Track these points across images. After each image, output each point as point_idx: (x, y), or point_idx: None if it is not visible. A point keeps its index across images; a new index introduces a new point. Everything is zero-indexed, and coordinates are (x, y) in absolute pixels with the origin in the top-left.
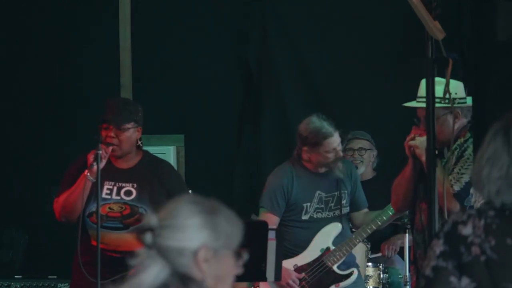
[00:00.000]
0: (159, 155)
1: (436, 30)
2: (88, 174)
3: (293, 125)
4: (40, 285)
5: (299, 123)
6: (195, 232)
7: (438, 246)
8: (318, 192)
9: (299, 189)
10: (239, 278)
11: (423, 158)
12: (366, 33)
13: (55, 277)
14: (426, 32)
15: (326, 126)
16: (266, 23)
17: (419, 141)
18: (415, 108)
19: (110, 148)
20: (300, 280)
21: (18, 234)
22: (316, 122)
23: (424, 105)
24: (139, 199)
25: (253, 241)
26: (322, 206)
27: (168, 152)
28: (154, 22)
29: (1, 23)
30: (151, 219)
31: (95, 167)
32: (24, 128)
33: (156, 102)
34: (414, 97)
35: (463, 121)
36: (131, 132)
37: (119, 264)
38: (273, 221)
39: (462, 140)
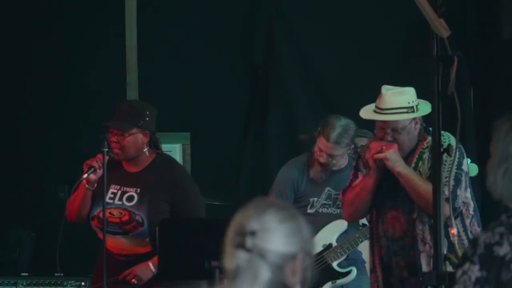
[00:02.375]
0: None
1: (441, 28)
2: (85, 183)
3: (299, 123)
4: (47, 282)
5: (305, 122)
6: (295, 237)
7: (474, 272)
8: (327, 188)
9: (309, 183)
10: None
11: (397, 169)
12: (371, 33)
13: (62, 274)
14: (431, 30)
15: (338, 132)
16: (272, 22)
17: (389, 154)
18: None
19: (107, 157)
20: None
21: (25, 233)
22: (340, 122)
23: (389, 118)
24: (138, 205)
25: None
26: (330, 202)
27: (174, 150)
28: (160, 20)
29: (8, 22)
30: (252, 222)
31: (90, 175)
32: (31, 127)
33: (162, 100)
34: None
35: (419, 126)
36: (135, 138)
37: (125, 266)
38: None
39: (426, 143)
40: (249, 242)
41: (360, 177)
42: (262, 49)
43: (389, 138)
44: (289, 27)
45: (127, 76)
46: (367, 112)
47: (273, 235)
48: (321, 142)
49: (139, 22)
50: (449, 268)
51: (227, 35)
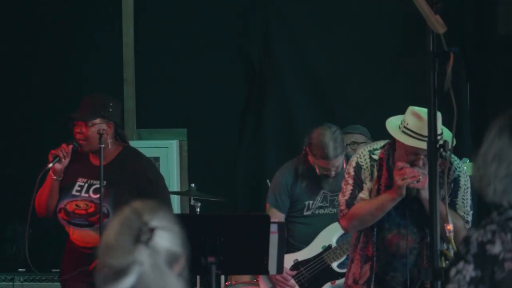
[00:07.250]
0: (161, 149)
1: (437, 24)
2: (52, 173)
3: (296, 119)
4: (44, 278)
5: (302, 118)
6: (179, 239)
7: (469, 272)
8: (323, 191)
9: (303, 187)
10: (242, 271)
11: (427, 197)
12: (368, 28)
13: (58, 270)
14: (427, 26)
15: (332, 147)
16: (269, 18)
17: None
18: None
19: (70, 146)
20: (298, 274)
21: (22, 228)
22: (327, 137)
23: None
24: (104, 197)
25: (255, 235)
26: (327, 204)
27: (170, 146)
28: (157, 16)
29: (6, 17)
30: (151, 219)
31: (56, 165)
32: (27, 122)
33: (159, 96)
34: (414, 93)
35: None
36: (99, 128)
37: (91, 259)
38: (278, 217)
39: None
40: (152, 238)
41: (365, 189)
42: (259, 45)
43: (421, 164)
44: (285, 24)
45: (124, 72)
46: (407, 137)
47: (169, 234)
48: (322, 163)
49: (136, 19)
50: (445, 264)
51: (224, 31)
